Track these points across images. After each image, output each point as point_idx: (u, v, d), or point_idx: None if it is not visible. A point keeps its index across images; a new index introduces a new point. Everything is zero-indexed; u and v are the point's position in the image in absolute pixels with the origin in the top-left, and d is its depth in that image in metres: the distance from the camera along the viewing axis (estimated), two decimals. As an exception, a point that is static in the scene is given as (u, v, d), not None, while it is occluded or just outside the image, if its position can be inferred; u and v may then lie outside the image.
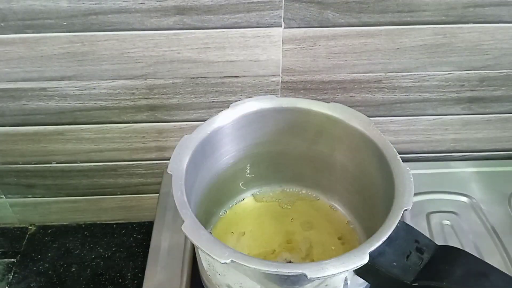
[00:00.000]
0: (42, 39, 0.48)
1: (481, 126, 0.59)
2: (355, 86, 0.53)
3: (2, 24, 0.46)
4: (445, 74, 0.53)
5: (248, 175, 0.48)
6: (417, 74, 0.53)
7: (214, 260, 0.31)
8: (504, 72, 0.53)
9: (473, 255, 0.32)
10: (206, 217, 0.45)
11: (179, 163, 0.37)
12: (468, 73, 0.53)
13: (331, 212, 0.48)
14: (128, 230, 0.68)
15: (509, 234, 0.50)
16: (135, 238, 0.67)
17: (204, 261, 0.38)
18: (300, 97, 0.53)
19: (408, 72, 0.52)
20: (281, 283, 0.34)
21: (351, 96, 0.54)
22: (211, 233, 0.45)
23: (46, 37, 0.48)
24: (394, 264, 0.31)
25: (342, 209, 0.48)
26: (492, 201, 0.54)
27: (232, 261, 0.30)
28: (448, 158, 0.62)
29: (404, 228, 0.33)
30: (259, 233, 0.46)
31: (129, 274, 0.62)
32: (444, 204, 0.53)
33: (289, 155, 0.46)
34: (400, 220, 0.33)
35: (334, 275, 0.30)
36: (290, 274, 0.30)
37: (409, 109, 0.56)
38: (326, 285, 0.34)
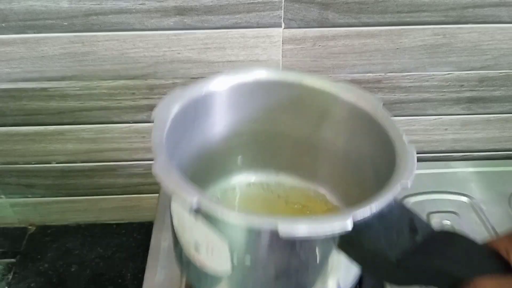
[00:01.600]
0: (42, 39, 0.48)
1: (481, 126, 0.59)
2: (355, 86, 0.54)
3: (3, 25, 0.47)
4: (445, 74, 0.53)
5: (242, 154, 0.44)
6: (417, 74, 0.53)
7: (182, 208, 0.28)
8: (504, 72, 0.53)
9: (473, 240, 0.28)
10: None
11: (166, 112, 0.34)
12: (467, 73, 0.53)
13: (328, 203, 0.45)
14: (128, 230, 0.68)
15: (509, 234, 0.50)
16: (135, 238, 0.67)
17: (175, 216, 0.35)
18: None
19: (407, 72, 0.53)
20: (251, 242, 0.30)
21: (351, 96, 0.55)
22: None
23: (47, 38, 0.48)
24: (381, 239, 0.28)
25: (339, 199, 0.44)
26: (492, 201, 0.54)
27: (198, 205, 0.27)
28: (448, 158, 0.62)
29: (400, 208, 0.30)
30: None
31: (129, 274, 0.62)
32: (444, 204, 0.53)
33: (288, 137, 0.43)
34: (398, 200, 0.30)
35: (311, 237, 0.27)
36: (260, 227, 0.28)
37: (408, 109, 0.56)
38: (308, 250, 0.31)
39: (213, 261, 0.33)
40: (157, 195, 0.57)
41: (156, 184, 0.61)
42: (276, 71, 0.40)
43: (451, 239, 0.28)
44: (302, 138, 0.43)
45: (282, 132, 0.43)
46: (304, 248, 0.31)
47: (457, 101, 0.56)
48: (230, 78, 0.39)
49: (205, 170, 0.42)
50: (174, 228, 0.36)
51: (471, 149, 0.62)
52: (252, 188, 0.46)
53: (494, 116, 0.58)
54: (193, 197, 0.27)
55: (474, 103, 0.56)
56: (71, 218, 0.69)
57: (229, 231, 0.30)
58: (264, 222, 0.27)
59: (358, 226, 0.27)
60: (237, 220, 0.28)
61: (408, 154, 0.32)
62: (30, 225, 0.69)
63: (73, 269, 0.63)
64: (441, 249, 0.27)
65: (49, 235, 0.68)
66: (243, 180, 0.46)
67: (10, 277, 0.63)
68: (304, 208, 0.44)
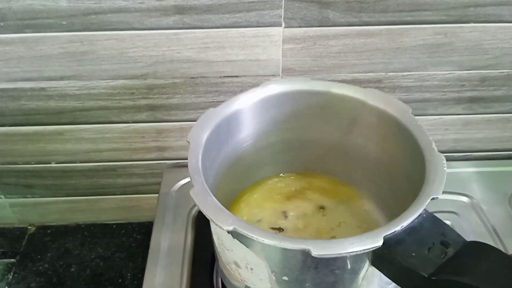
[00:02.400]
0: (41, 38, 0.48)
1: (482, 126, 0.59)
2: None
3: (1, 24, 0.46)
4: (446, 74, 0.53)
5: (275, 162, 0.46)
6: (418, 74, 0.53)
7: (220, 229, 0.30)
8: (505, 72, 0.53)
9: (505, 253, 0.29)
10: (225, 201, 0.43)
11: (199, 133, 0.36)
12: (469, 73, 0.53)
13: (362, 212, 0.45)
14: (128, 230, 0.68)
15: (509, 234, 0.50)
16: (135, 238, 0.67)
17: (215, 235, 0.37)
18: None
19: (408, 71, 0.52)
20: (287, 261, 0.32)
21: (351, 96, 0.54)
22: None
23: (46, 37, 0.48)
24: (413, 254, 0.28)
25: (374, 205, 0.45)
26: (493, 201, 0.53)
27: (234, 228, 0.29)
28: (449, 158, 0.61)
29: (430, 219, 0.30)
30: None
31: (129, 274, 0.62)
32: (444, 204, 0.53)
33: (320, 144, 0.44)
34: (428, 213, 0.30)
35: (341, 254, 0.28)
36: (292, 248, 0.28)
37: (409, 109, 0.56)
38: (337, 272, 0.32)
39: (253, 277, 0.34)
40: (156, 195, 0.57)
41: (156, 184, 0.61)
42: (304, 81, 0.41)
43: (481, 252, 0.28)
44: (332, 144, 0.44)
45: (312, 139, 0.44)
46: (338, 265, 0.31)
47: (458, 101, 0.56)
48: (258, 92, 0.40)
49: (240, 181, 0.44)
50: (215, 247, 0.38)
51: (472, 149, 0.61)
52: (287, 192, 0.47)
53: (495, 116, 0.57)
54: (228, 222, 0.29)
55: (475, 103, 0.56)
56: (70, 218, 0.69)
57: (266, 251, 0.32)
58: (297, 245, 0.28)
59: (389, 242, 0.28)
60: (271, 243, 0.29)
61: (438, 165, 0.33)
62: (29, 225, 0.69)
63: (72, 269, 0.63)
64: (471, 263, 0.28)
65: (48, 235, 0.68)
66: (278, 186, 0.47)
67: (10, 277, 0.62)
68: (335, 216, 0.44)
